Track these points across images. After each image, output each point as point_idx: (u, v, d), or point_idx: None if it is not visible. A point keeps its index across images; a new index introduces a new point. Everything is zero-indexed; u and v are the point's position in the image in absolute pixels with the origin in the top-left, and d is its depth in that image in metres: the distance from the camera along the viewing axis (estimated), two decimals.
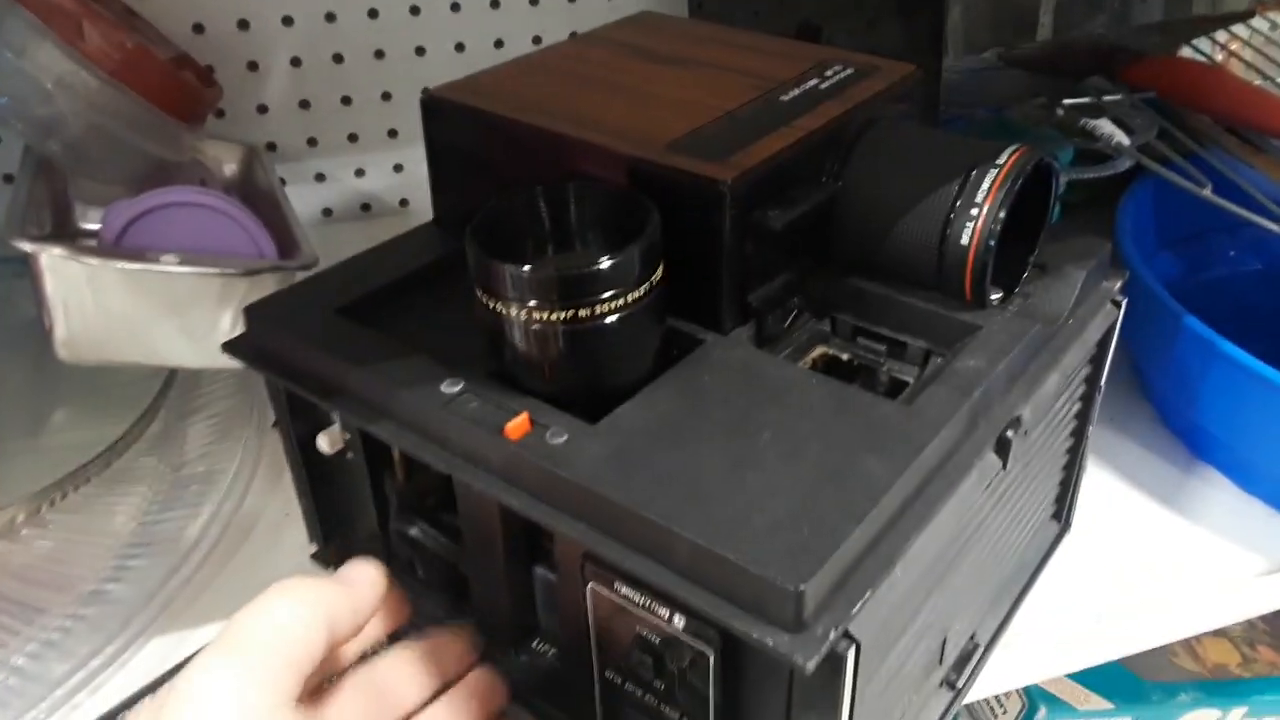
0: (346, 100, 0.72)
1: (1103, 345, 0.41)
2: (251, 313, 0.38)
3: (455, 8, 0.72)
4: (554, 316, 0.31)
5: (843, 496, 0.29)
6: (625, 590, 0.31)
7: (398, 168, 0.75)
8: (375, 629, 0.37)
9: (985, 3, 0.62)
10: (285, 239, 0.54)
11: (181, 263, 0.47)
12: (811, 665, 0.26)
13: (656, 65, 0.43)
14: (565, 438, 0.31)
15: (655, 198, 0.33)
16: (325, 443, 0.40)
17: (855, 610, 0.27)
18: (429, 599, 0.41)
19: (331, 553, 0.45)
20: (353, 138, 0.73)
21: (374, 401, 0.34)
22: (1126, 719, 0.60)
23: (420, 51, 0.72)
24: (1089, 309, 0.39)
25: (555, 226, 0.34)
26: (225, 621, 0.43)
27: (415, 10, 0.71)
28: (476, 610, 0.40)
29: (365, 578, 0.35)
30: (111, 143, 0.58)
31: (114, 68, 0.55)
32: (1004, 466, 0.34)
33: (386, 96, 0.73)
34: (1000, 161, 0.36)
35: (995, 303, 0.37)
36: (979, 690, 0.42)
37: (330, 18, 0.69)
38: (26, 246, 0.45)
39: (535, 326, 0.31)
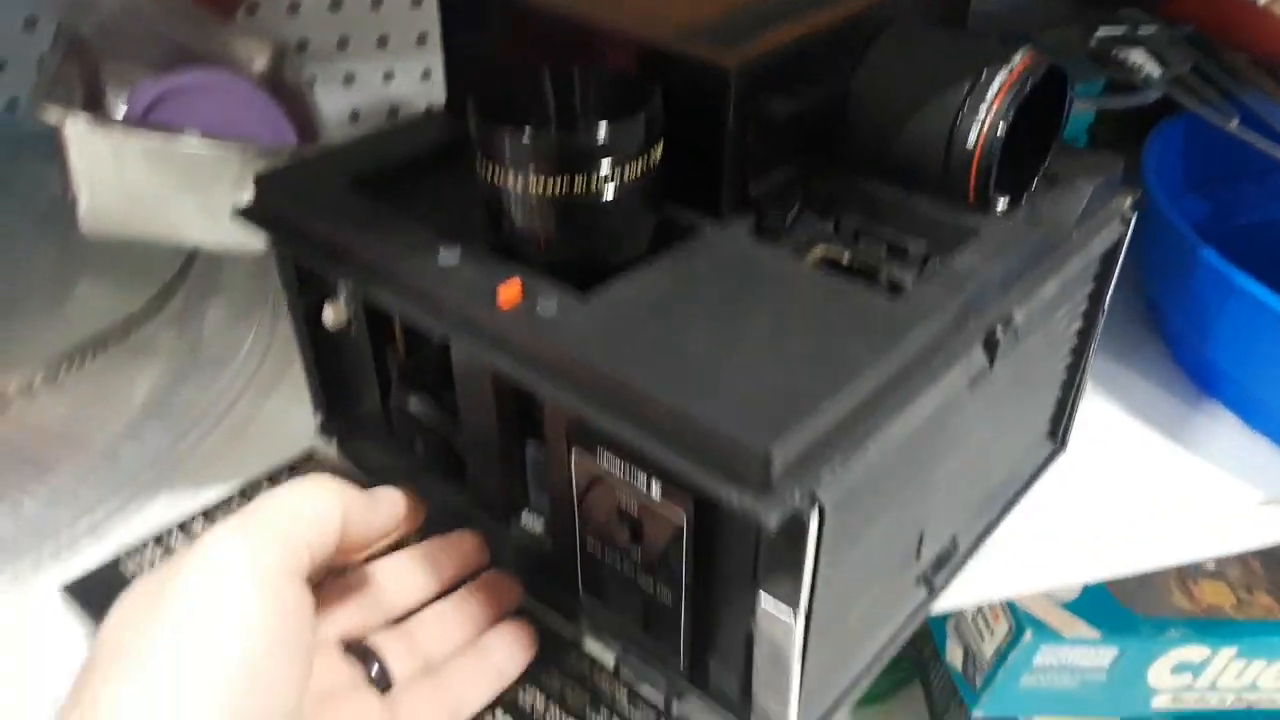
0: (377, 2, 0.72)
1: (1108, 260, 0.41)
2: (263, 180, 0.39)
3: None
4: (550, 186, 0.31)
5: (820, 371, 0.29)
6: (606, 458, 0.32)
7: (426, 74, 0.75)
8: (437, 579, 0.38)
9: None
10: (309, 138, 0.55)
11: (203, 141, 0.47)
12: (774, 522, 0.26)
13: None
14: (555, 307, 0.32)
15: (662, 83, 0.34)
16: (329, 315, 0.41)
17: (823, 477, 0.28)
18: (426, 477, 0.42)
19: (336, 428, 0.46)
20: (382, 41, 0.73)
21: (375, 268, 0.35)
22: (1113, 649, 0.61)
23: None
24: (1097, 222, 0.39)
25: (559, 107, 0.34)
26: (231, 485, 0.45)
27: None
28: (471, 485, 0.41)
29: (388, 497, 0.36)
30: (143, 27, 0.58)
31: None
32: (990, 364, 0.34)
33: (417, 0, 0.73)
34: (1012, 63, 0.35)
35: (1001, 210, 0.37)
36: (958, 596, 0.43)
37: None
38: (53, 116, 0.46)
39: (532, 196, 0.32)
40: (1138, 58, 0.57)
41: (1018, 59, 0.36)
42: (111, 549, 0.42)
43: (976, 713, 0.66)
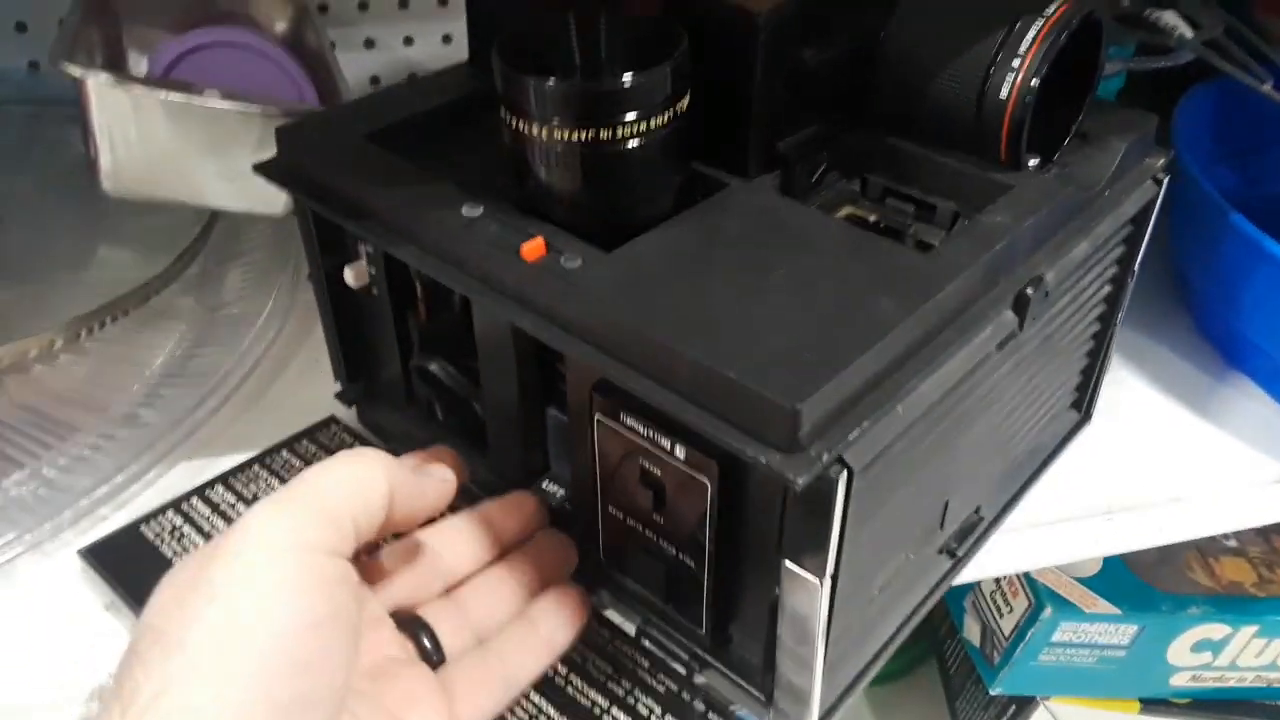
0: None
1: (1139, 222, 0.40)
2: (283, 135, 0.38)
3: None
4: (574, 136, 0.31)
5: (849, 329, 0.29)
6: (630, 421, 0.32)
7: (446, 39, 0.75)
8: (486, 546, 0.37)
9: None
10: (331, 101, 0.55)
11: (225, 99, 0.47)
12: (802, 482, 0.26)
13: None
14: (579, 263, 0.31)
15: (689, 29, 0.33)
16: (351, 276, 0.40)
17: (852, 438, 0.27)
18: (446, 445, 0.42)
19: (356, 392, 0.46)
20: (404, 4, 0.73)
21: (397, 224, 0.35)
22: (1133, 626, 0.60)
23: None
24: (1129, 182, 0.38)
25: (584, 54, 0.33)
26: (250, 451, 0.45)
27: None
28: (492, 451, 0.40)
29: (439, 472, 0.34)
30: None
31: None
32: (1020, 325, 0.33)
33: None
34: (1047, 13, 0.35)
35: (1032, 168, 0.37)
36: (981, 568, 0.42)
37: None
38: (75, 71, 0.45)
39: (556, 147, 0.31)
40: (1170, 19, 0.56)
41: (1052, 8, 0.35)
42: (130, 515, 0.42)
43: (994, 690, 0.66)
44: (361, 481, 0.31)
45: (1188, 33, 0.53)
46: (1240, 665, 0.65)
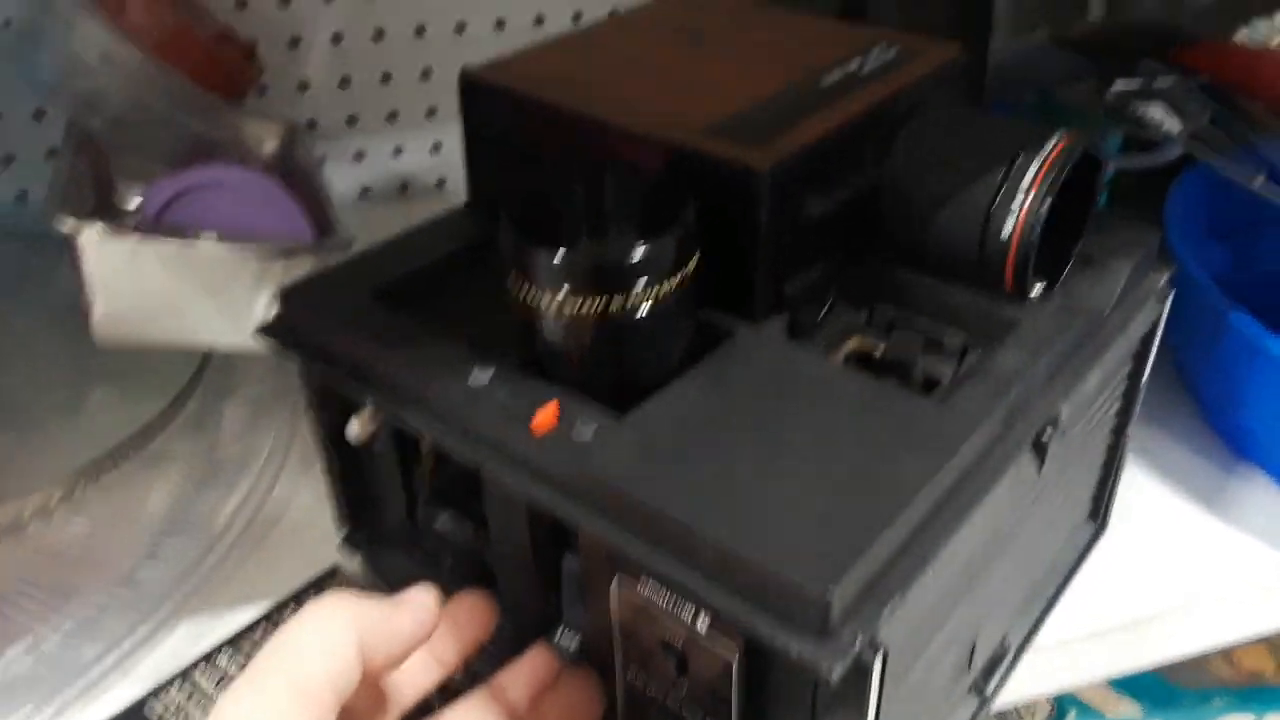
0: (386, 78, 0.72)
1: (1146, 341, 0.40)
2: (286, 295, 0.38)
3: None
4: (586, 307, 0.30)
5: (873, 498, 0.28)
6: (650, 590, 0.31)
7: (436, 147, 0.75)
8: (451, 654, 0.36)
9: None
10: (322, 219, 0.54)
11: (220, 243, 0.47)
12: (837, 673, 0.25)
13: (695, 45, 0.42)
14: (593, 432, 0.31)
15: (692, 183, 0.33)
16: (355, 429, 0.40)
17: (884, 617, 0.27)
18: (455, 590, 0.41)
19: (359, 539, 0.45)
20: (392, 116, 0.73)
21: (404, 389, 0.34)
22: None
23: (460, 28, 0.72)
24: (1134, 303, 0.38)
25: (589, 213, 0.33)
26: (257, 606, 0.44)
27: None
28: (502, 601, 0.39)
29: (415, 601, 0.33)
30: (153, 119, 0.58)
31: (155, 44, 0.55)
32: (1040, 469, 0.33)
33: (426, 74, 0.73)
34: (1046, 150, 0.35)
35: (1038, 295, 0.36)
36: (1008, 697, 0.41)
37: None
38: (67, 226, 0.45)
39: (567, 316, 0.31)
40: (1156, 113, 0.56)
41: (1051, 145, 0.35)
42: (137, 686, 0.41)
43: None
44: (334, 643, 0.30)
45: (1175, 127, 0.54)
46: None
